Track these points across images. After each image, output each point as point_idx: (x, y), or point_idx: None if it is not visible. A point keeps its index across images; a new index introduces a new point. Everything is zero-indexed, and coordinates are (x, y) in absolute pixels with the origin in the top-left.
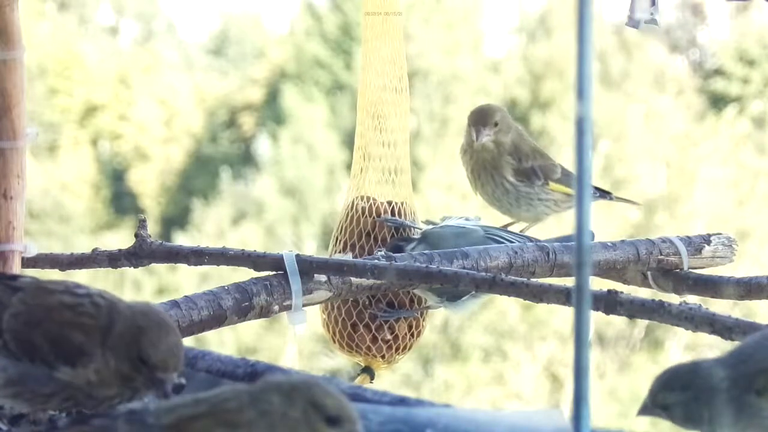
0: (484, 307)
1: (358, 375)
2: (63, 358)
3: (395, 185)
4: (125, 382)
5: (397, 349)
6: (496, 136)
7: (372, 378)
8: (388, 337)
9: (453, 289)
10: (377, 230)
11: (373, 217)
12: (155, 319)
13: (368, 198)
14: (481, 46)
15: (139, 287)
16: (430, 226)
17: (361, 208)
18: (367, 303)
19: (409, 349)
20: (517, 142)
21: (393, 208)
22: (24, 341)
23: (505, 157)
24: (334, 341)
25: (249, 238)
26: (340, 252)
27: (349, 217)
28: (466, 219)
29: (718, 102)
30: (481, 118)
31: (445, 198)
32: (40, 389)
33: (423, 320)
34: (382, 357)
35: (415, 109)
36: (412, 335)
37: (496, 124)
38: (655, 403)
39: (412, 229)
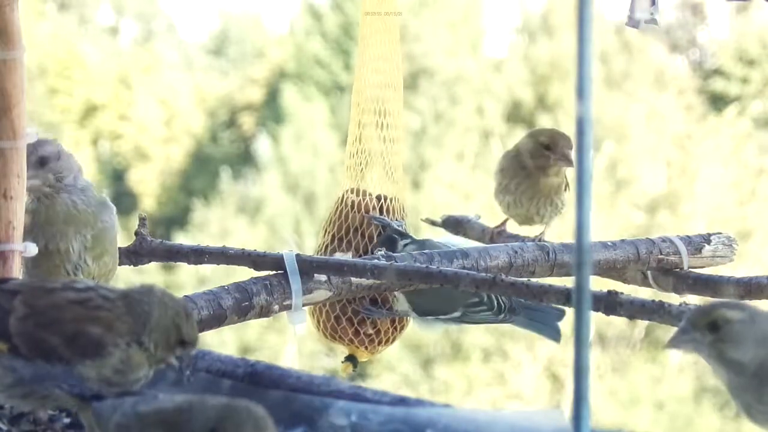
0: None
1: (342, 363)
2: (83, 352)
3: (388, 181)
4: (158, 363)
5: (379, 342)
6: None
7: (355, 366)
8: (370, 331)
9: (426, 304)
10: (365, 227)
11: (362, 214)
12: (185, 308)
13: (359, 191)
14: (482, 46)
15: None
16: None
17: (351, 203)
18: (350, 299)
19: (392, 341)
20: None
21: (383, 204)
22: (38, 343)
23: (564, 178)
24: (318, 329)
25: (249, 238)
26: (327, 244)
27: (338, 211)
28: (467, 221)
29: (717, 102)
30: (568, 143)
31: (448, 196)
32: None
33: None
34: (365, 348)
35: (420, 108)
36: (395, 329)
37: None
38: (706, 323)
39: (402, 228)
